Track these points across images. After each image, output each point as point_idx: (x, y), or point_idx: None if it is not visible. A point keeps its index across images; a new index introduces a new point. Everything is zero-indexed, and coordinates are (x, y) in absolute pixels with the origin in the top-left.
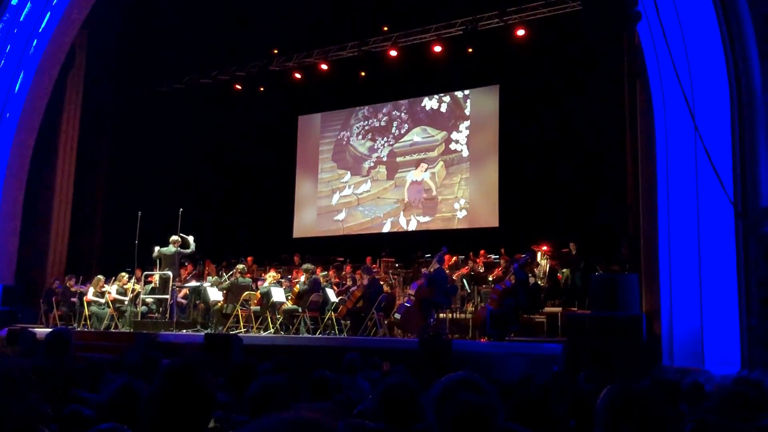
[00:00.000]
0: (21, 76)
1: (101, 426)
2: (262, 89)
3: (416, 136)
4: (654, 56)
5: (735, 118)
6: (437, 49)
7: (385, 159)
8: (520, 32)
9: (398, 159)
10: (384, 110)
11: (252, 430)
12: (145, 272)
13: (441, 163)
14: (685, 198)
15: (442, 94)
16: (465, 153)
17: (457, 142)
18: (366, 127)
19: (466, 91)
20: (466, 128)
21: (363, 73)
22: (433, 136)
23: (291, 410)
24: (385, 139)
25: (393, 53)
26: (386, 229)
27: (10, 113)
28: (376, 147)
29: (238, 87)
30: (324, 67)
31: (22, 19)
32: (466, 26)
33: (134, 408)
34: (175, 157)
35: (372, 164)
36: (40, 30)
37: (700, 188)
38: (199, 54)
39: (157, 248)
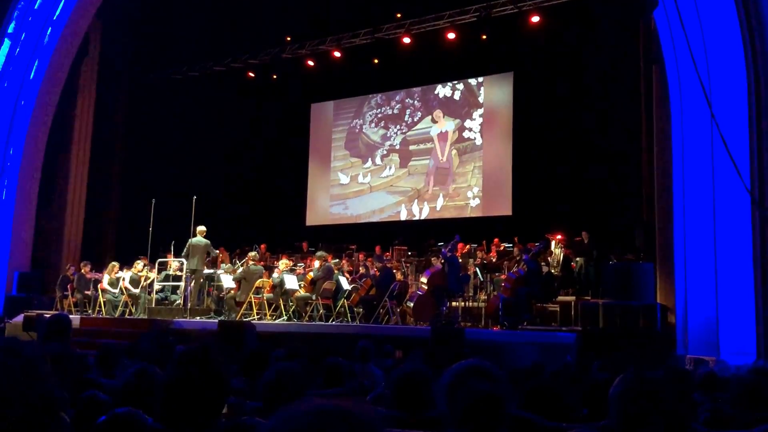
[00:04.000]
0: (36, 64)
1: (117, 410)
2: (275, 77)
3: (429, 123)
4: (670, 43)
5: (752, 106)
6: (451, 36)
7: (397, 147)
8: (535, 19)
9: (411, 147)
10: (397, 98)
11: (282, 418)
12: (159, 259)
13: (454, 151)
14: (700, 186)
15: (456, 82)
16: (478, 141)
17: (470, 130)
18: (379, 115)
19: (480, 79)
20: (480, 116)
21: (376, 61)
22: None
23: (322, 399)
24: (398, 127)
25: (406, 40)
26: (399, 217)
27: (25, 101)
28: (388, 135)
29: (252, 74)
30: (337, 54)
31: (36, 7)
32: (480, 13)
33: (149, 393)
34: (189, 144)
35: (385, 152)
36: (54, 18)
37: (716, 176)
38: (212, 42)
39: (189, 241)
